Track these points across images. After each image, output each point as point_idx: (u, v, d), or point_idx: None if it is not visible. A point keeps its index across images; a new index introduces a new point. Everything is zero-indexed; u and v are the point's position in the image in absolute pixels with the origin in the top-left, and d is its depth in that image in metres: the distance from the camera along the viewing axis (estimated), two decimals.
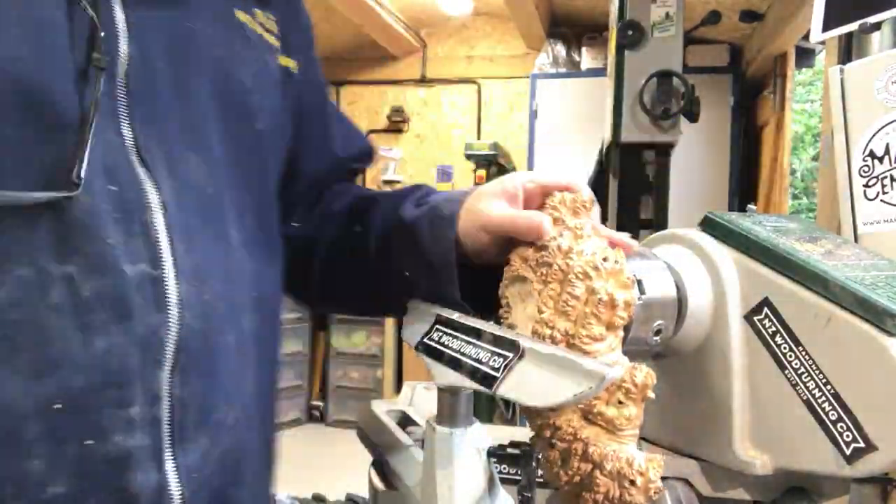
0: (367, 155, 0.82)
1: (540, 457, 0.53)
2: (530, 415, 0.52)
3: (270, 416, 0.64)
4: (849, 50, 1.03)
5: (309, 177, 0.74)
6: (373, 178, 5.04)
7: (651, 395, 0.49)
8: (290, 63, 0.67)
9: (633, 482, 0.46)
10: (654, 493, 0.47)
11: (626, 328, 0.52)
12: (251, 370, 0.57)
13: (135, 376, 0.46)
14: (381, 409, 0.78)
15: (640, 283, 0.55)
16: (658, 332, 0.57)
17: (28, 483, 0.42)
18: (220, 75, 0.55)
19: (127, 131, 0.48)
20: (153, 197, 0.48)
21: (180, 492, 0.48)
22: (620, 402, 0.48)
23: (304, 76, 0.69)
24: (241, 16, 0.59)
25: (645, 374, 0.48)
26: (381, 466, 0.70)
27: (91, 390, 0.44)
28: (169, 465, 0.48)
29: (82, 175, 0.43)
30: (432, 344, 0.55)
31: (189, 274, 0.49)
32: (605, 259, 0.50)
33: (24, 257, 0.42)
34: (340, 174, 0.78)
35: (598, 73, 3.75)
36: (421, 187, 0.68)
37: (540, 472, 0.55)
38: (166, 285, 0.48)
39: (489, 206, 0.57)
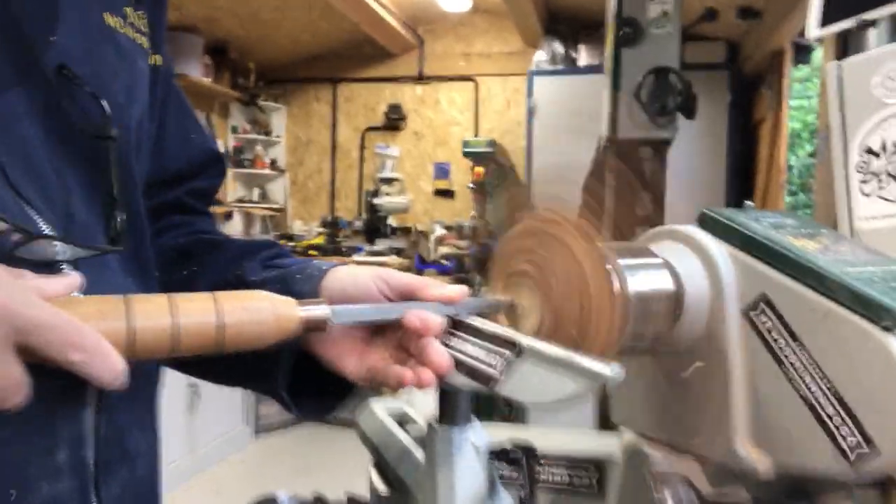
0: (205, 166, 0.70)
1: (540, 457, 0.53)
2: None
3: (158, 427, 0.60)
4: (846, 46, 1.03)
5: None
6: (370, 176, 5.04)
7: None
8: (158, 59, 0.61)
9: None
10: None
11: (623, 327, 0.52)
12: (155, 388, 0.57)
13: (60, 420, 0.44)
14: (382, 408, 0.78)
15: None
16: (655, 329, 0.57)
17: None
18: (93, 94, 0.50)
19: None
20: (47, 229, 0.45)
21: None
22: None
23: (164, 66, 0.63)
24: (111, 20, 0.53)
25: None
26: (381, 466, 0.70)
27: (15, 438, 0.42)
28: (94, 502, 0.47)
29: None
30: None
31: None
32: None
33: None
34: (176, 193, 0.67)
35: (596, 69, 3.74)
36: (272, 245, 0.63)
37: (540, 473, 0.55)
38: None
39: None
